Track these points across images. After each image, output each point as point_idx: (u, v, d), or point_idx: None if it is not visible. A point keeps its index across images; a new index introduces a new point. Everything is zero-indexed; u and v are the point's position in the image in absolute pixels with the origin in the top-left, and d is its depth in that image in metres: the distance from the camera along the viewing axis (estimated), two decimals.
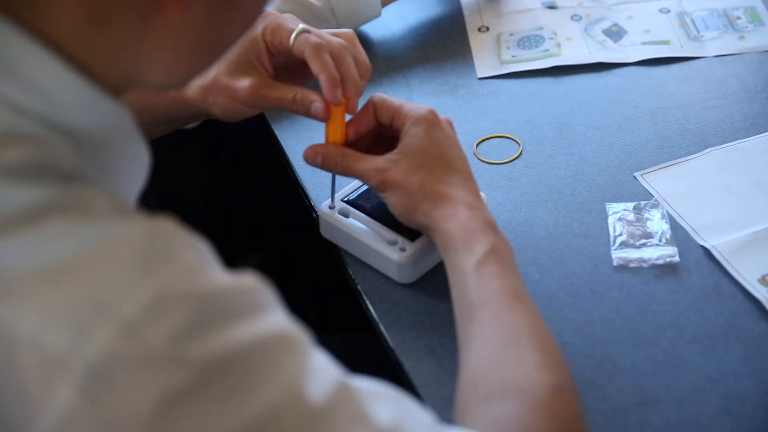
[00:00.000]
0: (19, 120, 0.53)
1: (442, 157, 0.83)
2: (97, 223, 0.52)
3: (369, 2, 1.16)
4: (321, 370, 0.55)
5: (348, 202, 0.92)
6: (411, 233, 0.87)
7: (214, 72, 0.88)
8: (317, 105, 0.85)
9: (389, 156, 0.83)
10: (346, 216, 0.91)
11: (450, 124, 0.87)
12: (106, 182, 0.58)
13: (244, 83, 0.87)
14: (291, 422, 0.52)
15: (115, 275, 0.50)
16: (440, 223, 0.79)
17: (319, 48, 0.84)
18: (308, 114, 0.86)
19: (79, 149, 0.56)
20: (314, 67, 0.84)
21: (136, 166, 0.63)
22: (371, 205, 0.91)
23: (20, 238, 0.50)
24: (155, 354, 0.49)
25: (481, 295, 0.73)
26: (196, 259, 0.53)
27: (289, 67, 0.91)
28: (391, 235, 0.88)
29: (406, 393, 0.61)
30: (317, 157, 0.86)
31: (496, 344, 0.70)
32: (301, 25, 0.86)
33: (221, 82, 0.87)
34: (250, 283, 0.55)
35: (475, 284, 0.74)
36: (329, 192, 0.93)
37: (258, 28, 0.88)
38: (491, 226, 0.78)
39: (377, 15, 1.19)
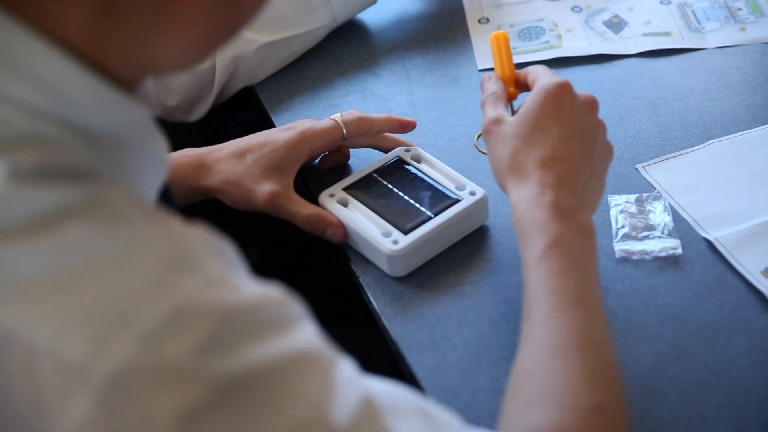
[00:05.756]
0: (34, 122, 0.52)
1: (546, 132, 0.77)
2: (119, 228, 0.50)
3: None
4: (345, 387, 0.54)
5: (348, 191, 0.92)
6: (407, 227, 0.87)
7: (242, 169, 0.93)
8: (333, 230, 0.90)
9: (512, 116, 0.80)
10: (345, 205, 0.91)
11: (588, 104, 0.80)
12: (125, 181, 0.57)
13: (264, 188, 0.91)
14: None
15: (136, 284, 0.48)
16: (514, 203, 0.75)
17: (364, 117, 0.98)
18: (322, 235, 0.90)
19: (97, 149, 0.54)
20: (380, 124, 0.97)
21: (155, 162, 0.62)
22: (371, 196, 0.91)
23: (39, 244, 0.49)
24: (175, 367, 0.47)
25: (537, 294, 0.70)
26: (220, 269, 0.51)
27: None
28: (386, 227, 0.88)
29: (430, 400, 0.60)
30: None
31: (545, 350, 0.68)
32: (332, 118, 0.97)
33: (245, 185, 0.92)
34: (275, 296, 0.54)
35: (533, 280, 0.71)
36: (331, 182, 0.93)
37: (297, 136, 0.94)
38: (561, 213, 0.73)
39: (373, 1, 1.19)
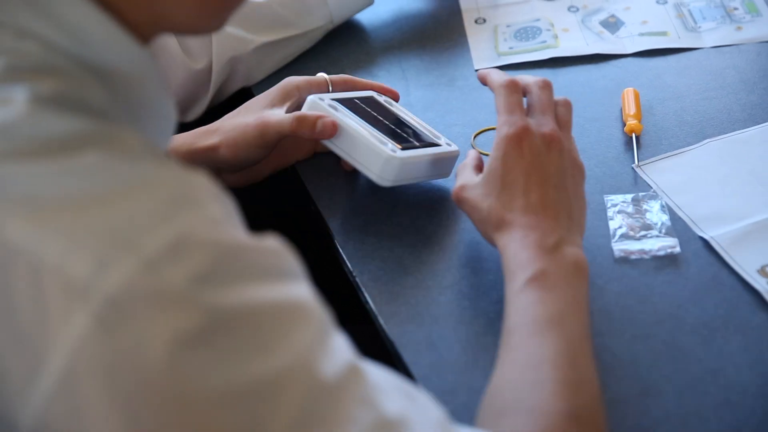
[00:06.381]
0: (51, 55, 0.55)
1: (515, 183, 0.81)
2: (131, 161, 0.53)
3: None
4: (336, 350, 0.55)
5: (337, 101, 0.93)
6: (401, 144, 0.90)
7: (235, 115, 0.98)
8: (324, 121, 0.89)
9: (478, 177, 0.84)
10: (336, 111, 0.92)
11: (547, 142, 0.82)
12: (135, 127, 0.59)
13: (251, 117, 0.95)
14: (296, 391, 0.52)
15: (142, 213, 0.51)
16: (501, 250, 0.79)
17: (351, 78, 1.01)
18: (313, 131, 0.90)
19: (108, 89, 0.57)
20: (364, 85, 1.00)
21: (164, 118, 0.65)
22: (359, 115, 0.92)
23: (57, 166, 0.51)
24: (172, 293, 0.49)
25: (515, 321, 0.73)
26: (222, 213, 0.54)
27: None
28: (381, 137, 0.90)
29: (421, 388, 0.61)
30: None
31: (518, 368, 0.70)
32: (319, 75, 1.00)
33: (238, 122, 0.96)
34: (274, 246, 0.56)
35: (513, 311, 0.74)
36: (327, 183, 0.96)
37: (284, 81, 0.99)
38: (545, 250, 0.77)
39: (370, 3, 1.20)
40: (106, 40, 0.57)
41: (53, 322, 0.49)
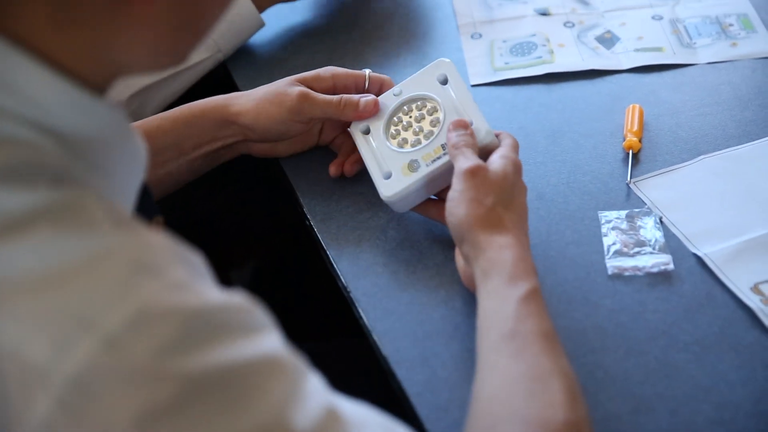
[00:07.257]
0: (5, 123, 0.53)
1: (519, 197, 0.83)
2: (86, 234, 0.51)
3: (242, 17, 1.14)
4: (310, 396, 0.54)
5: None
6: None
7: (269, 88, 0.98)
8: (367, 99, 0.95)
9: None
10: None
11: (511, 168, 0.83)
12: (100, 183, 0.57)
13: (294, 90, 0.96)
14: None
15: (100, 289, 0.49)
16: (497, 245, 0.77)
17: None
18: (356, 112, 0.94)
19: (70, 151, 0.55)
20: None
21: (132, 162, 0.63)
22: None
23: (7, 246, 0.49)
24: (136, 369, 0.48)
25: (517, 328, 0.72)
26: (184, 275, 0.52)
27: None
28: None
29: (403, 423, 0.61)
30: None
31: (514, 377, 0.69)
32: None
33: (275, 94, 0.96)
34: (240, 302, 0.55)
35: (513, 315, 0.72)
36: (321, 198, 0.95)
37: (324, 68, 1.00)
38: (536, 272, 0.77)
39: (261, 26, 1.18)
40: (63, 102, 0.55)
41: (16, 408, 0.48)
